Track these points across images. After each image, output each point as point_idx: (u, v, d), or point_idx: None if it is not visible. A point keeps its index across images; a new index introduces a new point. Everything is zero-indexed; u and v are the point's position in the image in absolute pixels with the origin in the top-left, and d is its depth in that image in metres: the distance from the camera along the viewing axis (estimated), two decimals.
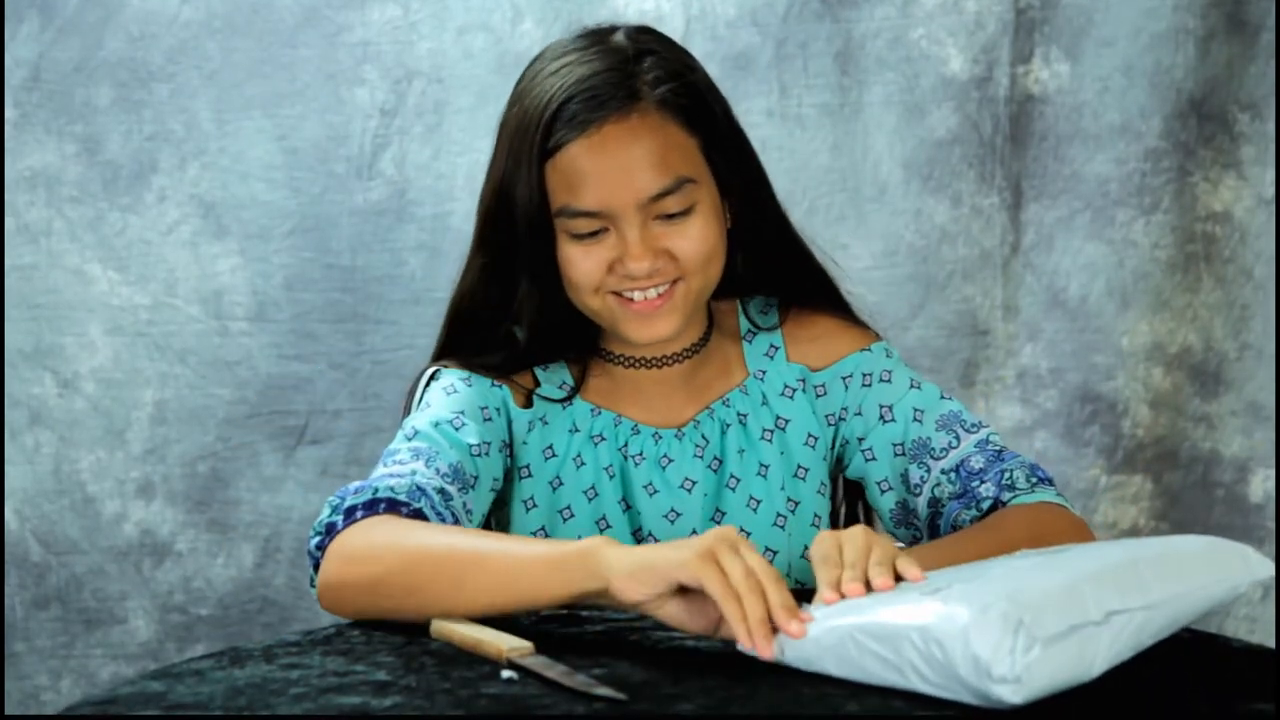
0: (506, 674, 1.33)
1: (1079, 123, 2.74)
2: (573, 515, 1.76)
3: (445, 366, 1.78)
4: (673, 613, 1.37)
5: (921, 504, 1.75)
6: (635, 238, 1.66)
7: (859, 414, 1.80)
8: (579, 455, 1.77)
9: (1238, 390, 2.78)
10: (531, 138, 1.68)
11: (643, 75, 1.68)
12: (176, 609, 2.91)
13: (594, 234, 1.67)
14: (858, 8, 2.76)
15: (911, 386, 1.80)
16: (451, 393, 1.74)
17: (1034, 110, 2.75)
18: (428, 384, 1.78)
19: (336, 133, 2.83)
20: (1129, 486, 2.79)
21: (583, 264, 1.68)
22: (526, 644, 1.37)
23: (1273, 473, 2.78)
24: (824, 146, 2.76)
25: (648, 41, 1.73)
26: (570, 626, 1.48)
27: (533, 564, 1.43)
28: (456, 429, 1.69)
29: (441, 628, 1.45)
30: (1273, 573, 1.40)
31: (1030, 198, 2.77)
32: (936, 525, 1.75)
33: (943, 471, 1.74)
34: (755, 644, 1.31)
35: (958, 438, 1.75)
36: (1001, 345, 2.80)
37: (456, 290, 1.79)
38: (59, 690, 2.90)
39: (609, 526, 1.75)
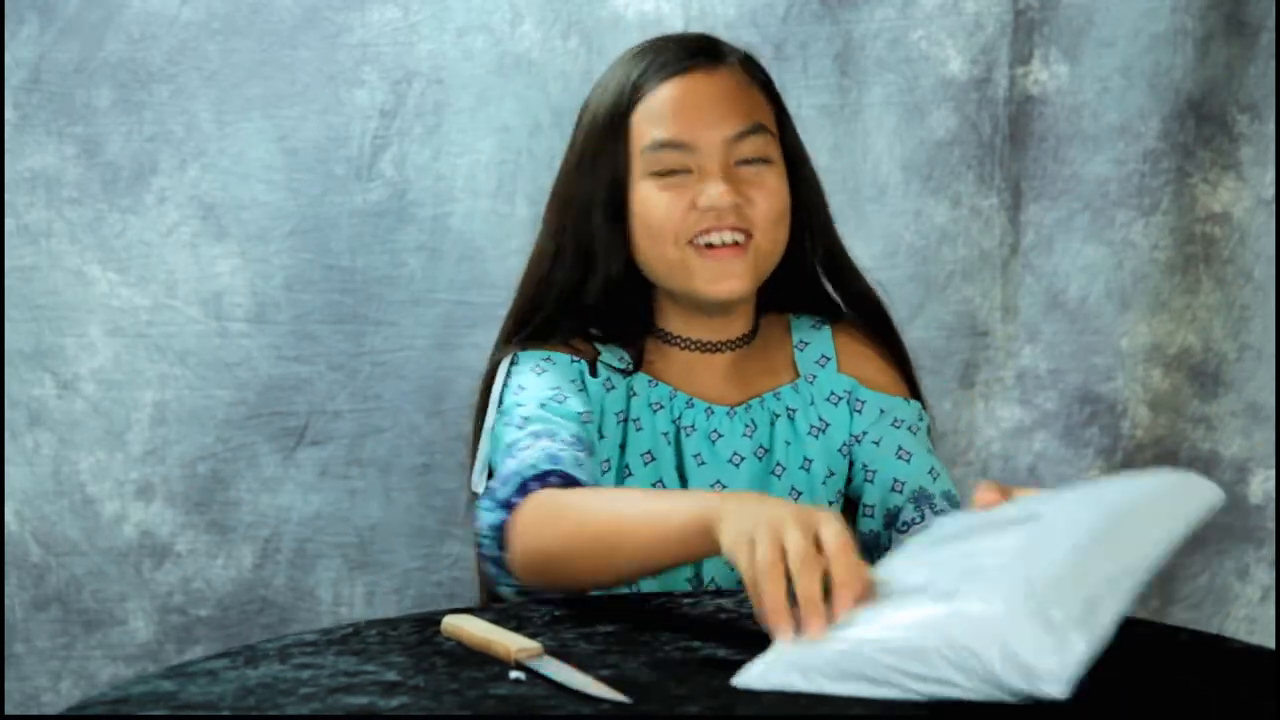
0: (515, 674, 1.33)
1: (1078, 124, 2.74)
2: (631, 475, 1.83)
3: (521, 350, 1.85)
4: None
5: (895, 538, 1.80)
6: (717, 170, 1.76)
7: (876, 443, 1.86)
8: (638, 419, 1.84)
9: (1237, 391, 2.78)
10: (619, 96, 1.80)
11: (728, 49, 1.85)
12: (176, 610, 2.90)
13: (675, 173, 1.77)
14: (857, 9, 2.76)
15: (930, 452, 1.86)
16: (541, 372, 1.81)
17: (1033, 111, 2.75)
18: (509, 371, 1.84)
19: (336, 134, 2.83)
20: None
21: (663, 204, 1.77)
22: (535, 645, 1.37)
23: (1272, 474, 2.78)
24: (823, 147, 2.76)
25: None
26: (580, 626, 1.48)
27: (671, 533, 1.48)
28: (561, 402, 1.75)
29: (453, 627, 1.45)
30: (1223, 498, 1.41)
31: (1029, 199, 2.77)
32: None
33: (934, 512, 1.79)
34: (771, 627, 1.32)
35: (959, 507, 1.79)
36: (1001, 346, 2.80)
37: (528, 263, 1.89)
38: (59, 691, 2.89)
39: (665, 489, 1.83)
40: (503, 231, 2.79)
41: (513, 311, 1.90)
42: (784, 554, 1.32)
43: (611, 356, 1.86)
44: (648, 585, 1.75)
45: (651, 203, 1.77)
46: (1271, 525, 2.79)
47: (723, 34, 2.69)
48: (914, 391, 1.95)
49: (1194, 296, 2.77)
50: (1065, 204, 2.76)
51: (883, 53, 2.76)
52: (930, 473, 1.83)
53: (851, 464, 1.88)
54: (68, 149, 2.83)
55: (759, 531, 1.34)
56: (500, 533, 1.62)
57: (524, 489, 1.62)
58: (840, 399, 1.87)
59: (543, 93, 2.80)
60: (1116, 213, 2.75)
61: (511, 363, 1.84)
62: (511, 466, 1.66)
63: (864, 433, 1.86)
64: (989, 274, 2.79)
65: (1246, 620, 2.80)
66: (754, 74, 1.84)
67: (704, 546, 1.44)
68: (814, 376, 1.89)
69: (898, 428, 1.86)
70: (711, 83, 1.79)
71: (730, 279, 1.79)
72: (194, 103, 2.83)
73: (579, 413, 1.75)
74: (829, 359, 1.90)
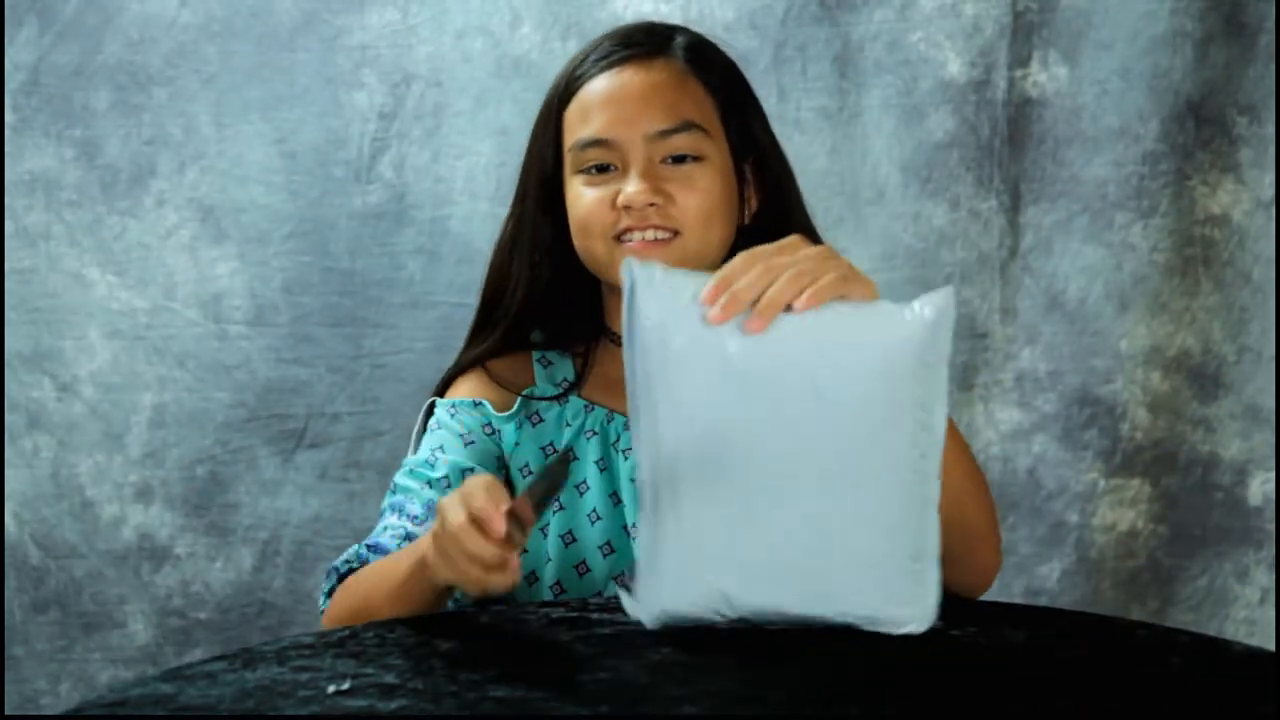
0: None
1: (1077, 126, 2.74)
2: (563, 508, 1.78)
3: (439, 396, 1.84)
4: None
5: None
6: (638, 168, 1.70)
7: None
8: (571, 448, 1.79)
9: (1236, 393, 2.77)
10: (557, 88, 1.77)
11: (674, 37, 1.77)
12: (175, 613, 2.90)
13: (603, 170, 1.72)
14: (856, 11, 2.75)
15: None
16: (435, 429, 1.80)
17: (1032, 113, 2.75)
18: (425, 419, 1.84)
19: (335, 136, 2.82)
20: (1127, 490, 2.79)
21: (588, 199, 1.72)
22: None
23: (1272, 475, 2.77)
24: (822, 150, 2.76)
25: (688, 29, 1.82)
26: (577, 629, 1.48)
27: (409, 579, 1.53)
28: (431, 465, 1.74)
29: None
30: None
31: (1028, 201, 2.77)
32: None
33: None
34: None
35: None
36: (1000, 348, 2.79)
37: (492, 252, 1.86)
38: (58, 694, 2.89)
39: (600, 519, 1.78)
40: None
41: (479, 305, 1.87)
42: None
43: (552, 380, 1.83)
44: None
45: (578, 199, 1.73)
46: (1271, 527, 2.78)
47: (721, 36, 2.70)
48: None
49: (1193, 298, 2.76)
50: (1064, 206, 2.75)
51: (881, 55, 2.76)
52: None
53: None
54: (66, 151, 2.83)
55: (435, 549, 1.41)
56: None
57: (342, 579, 1.67)
58: None
59: (542, 95, 2.77)
60: (1115, 215, 2.74)
61: (429, 410, 1.84)
62: (343, 555, 1.69)
63: None
64: (988, 276, 2.79)
65: (1246, 622, 2.79)
66: (699, 66, 1.76)
67: (429, 581, 1.48)
68: None
69: None
70: (643, 76, 1.72)
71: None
72: (193, 105, 2.82)
73: (439, 478, 1.73)
74: None
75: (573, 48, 2.76)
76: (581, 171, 1.73)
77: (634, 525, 1.77)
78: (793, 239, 1.38)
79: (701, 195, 1.71)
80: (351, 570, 1.66)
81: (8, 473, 2.87)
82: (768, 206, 1.82)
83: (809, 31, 2.75)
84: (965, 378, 2.80)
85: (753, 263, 1.34)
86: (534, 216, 1.79)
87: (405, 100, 2.81)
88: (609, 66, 1.73)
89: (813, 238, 1.83)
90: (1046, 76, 2.74)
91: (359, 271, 2.84)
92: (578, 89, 1.74)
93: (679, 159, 1.71)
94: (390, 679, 1.33)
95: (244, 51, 2.82)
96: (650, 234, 1.71)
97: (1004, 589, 2.80)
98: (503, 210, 2.75)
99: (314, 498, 2.88)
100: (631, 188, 1.69)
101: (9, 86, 2.82)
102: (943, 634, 1.41)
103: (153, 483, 2.88)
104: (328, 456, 2.87)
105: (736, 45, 2.74)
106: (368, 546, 1.68)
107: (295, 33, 2.81)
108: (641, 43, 1.75)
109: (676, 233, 1.71)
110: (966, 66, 2.75)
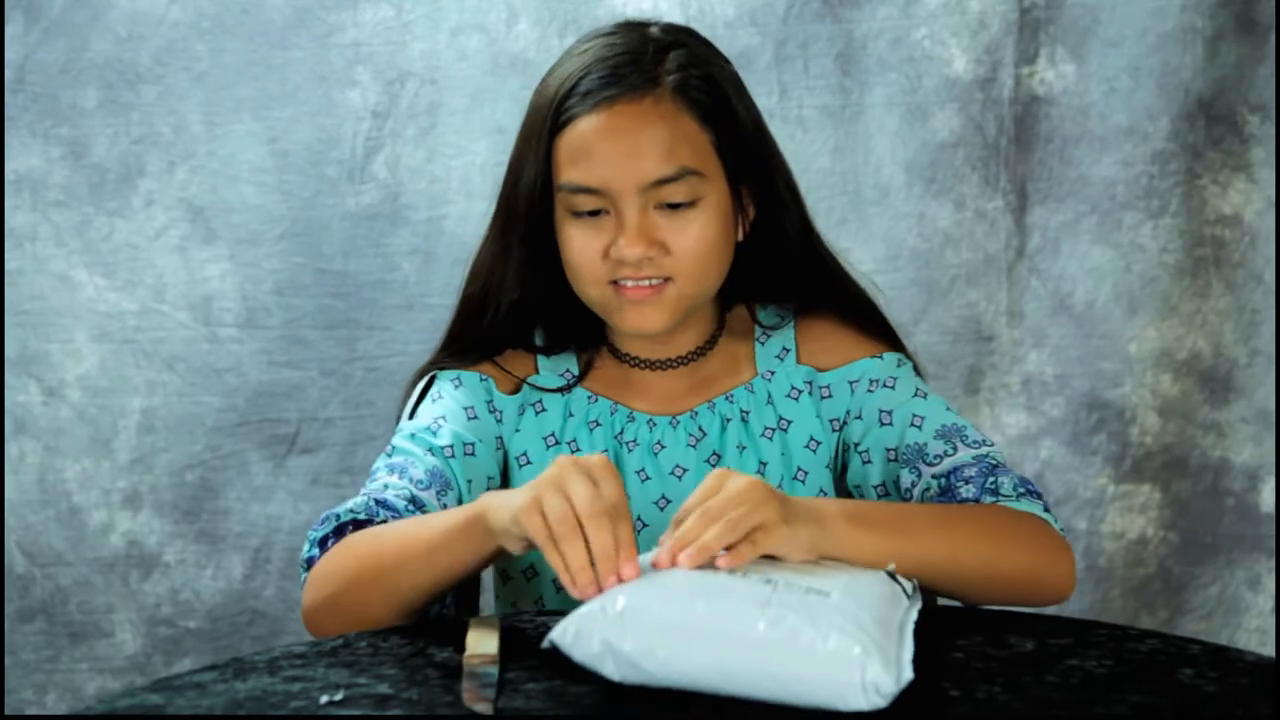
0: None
1: (1085, 124, 2.72)
2: None
3: (441, 368, 1.82)
4: None
5: None
6: (633, 221, 1.67)
7: (859, 418, 1.78)
8: (574, 440, 1.79)
9: (1248, 397, 2.76)
10: (545, 112, 1.70)
11: (664, 63, 1.69)
12: (164, 621, 2.88)
13: (594, 214, 1.68)
14: (859, 8, 2.73)
15: (915, 395, 1.77)
16: (437, 399, 1.78)
17: (1039, 112, 2.73)
18: (424, 391, 1.81)
19: (328, 135, 2.80)
20: (1137, 495, 2.77)
21: (580, 246, 1.70)
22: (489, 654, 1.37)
23: None
24: (825, 149, 2.74)
25: (680, 35, 1.75)
26: None
27: (445, 539, 1.50)
28: (434, 432, 1.73)
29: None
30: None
31: (1035, 201, 2.75)
32: None
33: (933, 476, 1.70)
34: (576, 590, 1.34)
35: (955, 448, 1.71)
36: (1006, 351, 2.78)
37: (474, 258, 1.82)
38: (44, 705, 2.87)
39: None
40: None
41: (456, 316, 1.84)
42: (574, 507, 1.36)
43: (554, 372, 1.82)
44: None
45: (570, 244, 1.70)
46: None
47: (722, 34, 2.71)
48: (890, 343, 1.85)
49: (1204, 300, 2.74)
50: (1072, 206, 2.74)
51: (885, 52, 2.74)
52: (913, 424, 1.74)
53: (846, 450, 1.80)
54: (53, 150, 2.80)
55: (544, 490, 1.37)
56: (306, 572, 1.61)
57: (339, 532, 1.62)
58: (801, 391, 1.80)
59: None
60: (1124, 215, 2.73)
61: (428, 383, 1.81)
62: (346, 504, 1.65)
63: (847, 412, 1.79)
64: (994, 278, 2.77)
65: (1259, 632, 2.77)
66: (691, 96, 1.69)
67: (477, 538, 1.46)
68: (771, 373, 1.81)
69: (873, 391, 1.78)
70: (634, 120, 1.66)
71: (647, 316, 1.70)
72: (183, 104, 2.80)
73: (443, 446, 1.71)
74: (789, 350, 1.82)
75: (570, 45, 2.73)
76: (573, 214, 1.69)
77: (638, 518, 1.77)
78: (712, 483, 1.42)
79: (697, 241, 1.69)
80: (356, 523, 1.62)
81: None
82: (765, 214, 1.78)
83: (811, 28, 2.73)
84: (971, 381, 2.78)
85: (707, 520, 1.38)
86: (523, 245, 1.76)
87: (399, 98, 2.79)
88: (598, 105, 1.66)
89: (811, 235, 1.82)
90: (1054, 74, 2.72)
91: (352, 273, 2.82)
92: (566, 123, 1.68)
93: (674, 204, 1.68)
94: (384, 689, 1.31)
95: (235, 49, 2.79)
96: (645, 281, 1.69)
97: None
98: None
99: (306, 504, 2.86)
100: (627, 246, 1.66)
101: None
102: (951, 643, 1.41)
103: (141, 489, 2.85)
104: (320, 462, 2.85)
105: (738, 42, 2.72)
106: (376, 501, 1.64)
107: (287, 30, 2.79)
108: (629, 75, 1.68)
109: (668, 280, 1.70)
110: (972, 64, 2.73)
